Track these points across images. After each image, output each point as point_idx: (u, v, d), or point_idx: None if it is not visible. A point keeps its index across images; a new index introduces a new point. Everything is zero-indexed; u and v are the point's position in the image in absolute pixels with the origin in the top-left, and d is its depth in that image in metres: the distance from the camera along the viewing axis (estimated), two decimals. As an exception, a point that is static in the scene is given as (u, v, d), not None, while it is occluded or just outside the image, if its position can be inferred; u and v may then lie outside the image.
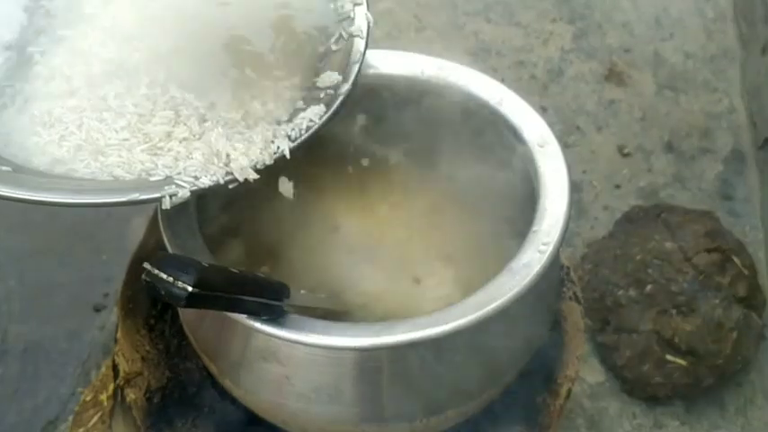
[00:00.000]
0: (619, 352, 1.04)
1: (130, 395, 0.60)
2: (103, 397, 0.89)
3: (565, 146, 1.28)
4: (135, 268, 0.66)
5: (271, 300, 0.47)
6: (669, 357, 1.01)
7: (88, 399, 0.93)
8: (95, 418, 0.88)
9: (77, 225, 1.16)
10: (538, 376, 0.63)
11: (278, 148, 0.51)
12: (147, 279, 0.41)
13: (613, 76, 1.39)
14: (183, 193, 0.49)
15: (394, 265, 0.60)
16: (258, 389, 0.54)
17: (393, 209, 0.63)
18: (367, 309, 0.58)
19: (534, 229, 0.53)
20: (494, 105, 0.60)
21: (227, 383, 0.57)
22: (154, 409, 0.59)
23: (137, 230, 1.13)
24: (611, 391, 1.06)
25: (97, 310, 1.09)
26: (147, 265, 0.41)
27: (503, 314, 0.49)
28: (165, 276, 0.40)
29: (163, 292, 0.40)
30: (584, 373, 1.07)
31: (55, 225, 1.16)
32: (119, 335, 0.62)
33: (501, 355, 0.56)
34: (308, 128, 0.52)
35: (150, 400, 0.59)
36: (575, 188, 1.24)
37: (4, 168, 0.49)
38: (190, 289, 0.40)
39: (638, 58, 1.42)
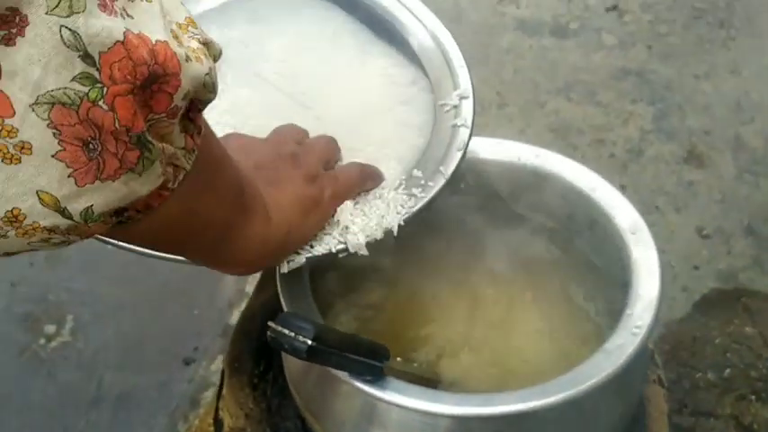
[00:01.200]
0: (696, 436, 1.04)
1: (234, 449, 0.64)
2: (196, 448, 0.93)
3: (644, 226, 1.30)
4: (242, 328, 0.70)
5: (373, 360, 0.51)
6: (748, 444, 1.01)
7: (182, 449, 0.97)
8: (188, 469, 0.92)
9: (172, 281, 1.23)
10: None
11: (390, 224, 0.55)
12: (272, 335, 0.46)
13: (693, 157, 1.41)
14: (299, 260, 0.53)
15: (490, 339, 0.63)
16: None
17: (494, 285, 0.67)
18: (459, 384, 0.61)
19: (628, 312, 0.55)
20: (587, 192, 0.64)
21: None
22: (255, 465, 0.63)
23: (228, 288, 1.20)
24: (687, 476, 1.05)
25: (187, 363, 1.14)
26: (271, 324, 0.46)
27: (595, 393, 0.52)
28: (287, 332, 0.45)
29: (286, 346, 0.46)
30: (660, 454, 1.06)
31: (151, 280, 1.24)
32: (224, 391, 0.67)
33: (590, 430, 0.58)
34: (412, 207, 0.57)
35: (252, 456, 0.63)
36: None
37: None
38: (310, 342, 0.45)
39: (718, 140, 1.43)
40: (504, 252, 0.65)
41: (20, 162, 0.30)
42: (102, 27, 0.30)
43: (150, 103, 0.33)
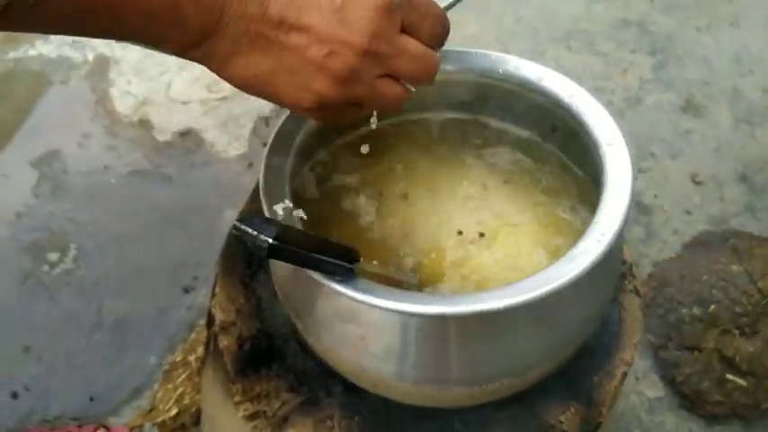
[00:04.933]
0: (679, 368, 1.07)
1: (224, 341, 0.66)
2: (192, 358, 0.97)
3: (638, 171, 1.32)
4: (233, 236, 0.73)
5: (343, 262, 0.53)
6: (729, 377, 1.03)
7: (178, 359, 1.01)
8: (183, 376, 0.96)
9: (173, 214, 1.26)
10: (596, 358, 0.67)
11: None
12: (236, 233, 0.47)
13: (690, 107, 1.42)
14: None
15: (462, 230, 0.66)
16: (337, 347, 0.60)
17: (477, 198, 0.69)
18: (435, 289, 0.64)
19: (595, 220, 0.57)
20: (566, 102, 0.65)
21: (309, 339, 0.63)
22: (243, 356, 0.66)
23: (227, 221, 1.22)
24: (669, 407, 1.07)
25: (186, 291, 1.17)
26: (235, 222, 0.48)
27: (559, 296, 0.53)
28: (250, 230, 0.47)
29: (249, 244, 0.47)
30: (645, 387, 1.09)
31: (152, 212, 1.27)
32: (217, 289, 0.69)
33: (556, 333, 0.60)
34: None
35: (241, 347, 0.66)
36: (645, 211, 1.28)
37: None
38: (270, 241, 0.46)
39: (716, 91, 1.45)
40: (487, 165, 0.67)
41: None
42: None
43: None
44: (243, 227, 0.46)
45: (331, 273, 0.53)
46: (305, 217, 0.59)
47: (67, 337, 1.13)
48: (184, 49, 0.47)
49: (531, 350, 0.60)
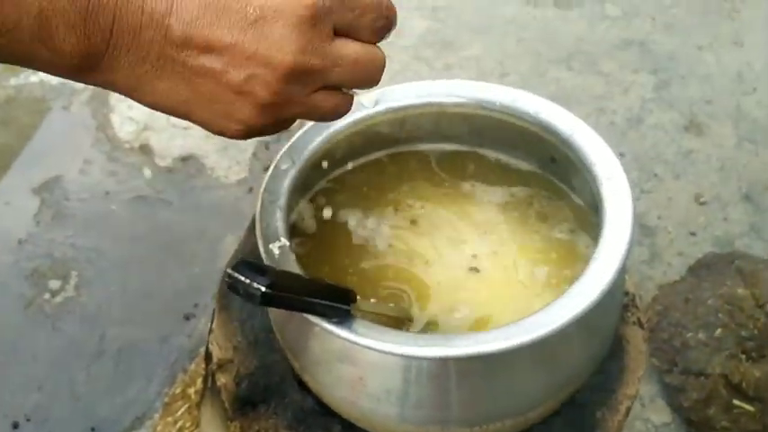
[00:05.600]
0: (685, 394, 1.05)
1: (221, 379, 0.66)
2: (191, 391, 0.96)
3: (641, 192, 1.31)
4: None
5: (339, 303, 0.52)
6: (736, 402, 1.02)
7: (178, 391, 1.00)
8: (183, 409, 0.95)
9: (174, 240, 1.26)
10: (599, 393, 0.66)
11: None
12: (229, 281, 0.46)
13: (693, 126, 1.41)
14: None
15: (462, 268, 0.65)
16: (334, 386, 0.59)
17: (467, 219, 0.69)
18: (435, 327, 0.63)
19: (595, 257, 0.56)
20: (566, 135, 0.65)
21: (306, 378, 0.62)
22: (241, 394, 0.65)
23: (228, 247, 1.22)
24: (676, 433, 1.06)
25: (187, 318, 1.17)
26: (228, 270, 0.46)
27: (560, 336, 0.52)
28: (243, 278, 0.45)
29: (241, 292, 0.46)
30: (650, 413, 1.08)
31: (154, 239, 1.26)
32: (214, 325, 0.69)
33: (559, 371, 0.59)
34: None
35: (239, 385, 0.65)
36: (649, 233, 1.27)
37: None
38: (263, 289, 0.45)
39: (718, 110, 1.44)
40: (486, 196, 0.66)
41: None
42: None
43: None
44: (235, 275, 0.45)
45: (327, 315, 0.53)
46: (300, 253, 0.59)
47: (69, 366, 1.12)
48: (69, 74, 0.41)
49: (533, 390, 0.59)
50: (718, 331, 1.06)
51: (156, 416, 1.04)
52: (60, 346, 1.14)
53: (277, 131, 0.46)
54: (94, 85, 0.42)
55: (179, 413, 0.94)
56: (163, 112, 0.44)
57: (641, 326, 0.71)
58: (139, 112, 1.45)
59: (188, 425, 0.92)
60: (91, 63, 0.40)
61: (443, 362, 0.54)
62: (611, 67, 1.51)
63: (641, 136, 1.40)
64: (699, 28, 1.56)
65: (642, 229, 1.27)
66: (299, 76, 0.41)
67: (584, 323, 0.54)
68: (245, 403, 0.65)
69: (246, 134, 0.44)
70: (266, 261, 0.57)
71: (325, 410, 0.64)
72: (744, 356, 1.03)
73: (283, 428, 0.64)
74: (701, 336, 1.06)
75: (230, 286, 0.46)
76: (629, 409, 0.66)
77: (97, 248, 1.25)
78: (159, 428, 0.95)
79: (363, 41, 0.44)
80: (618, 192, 0.61)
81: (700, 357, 1.05)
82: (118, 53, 0.40)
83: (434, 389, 0.56)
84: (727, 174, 1.35)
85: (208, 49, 0.40)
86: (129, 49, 0.40)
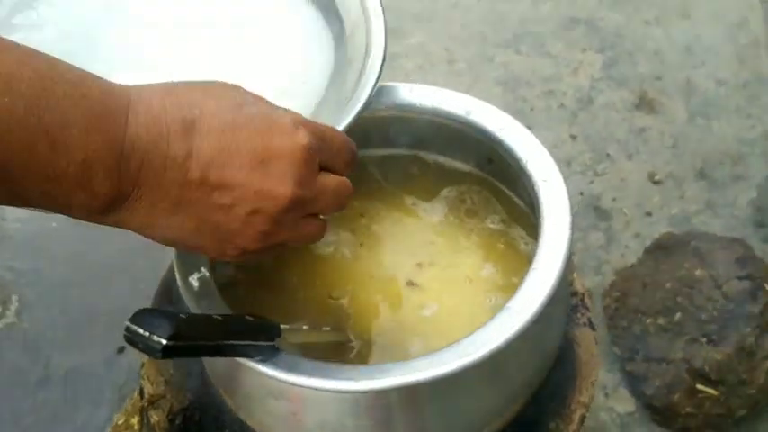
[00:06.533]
0: (648, 381, 1.04)
1: (154, 417, 0.62)
2: (134, 421, 0.92)
3: (594, 174, 1.29)
4: (161, 299, 0.69)
5: (261, 341, 0.49)
6: (700, 387, 1.00)
7: (120, 422, 0.96)
8: (126, 441, 0.91)
9: (117, 257, 1.20)
10: (551, 402, 0.63)
11: None
12: (128, 335, 0.42)
13: (644, 104, 1.39)
14: None
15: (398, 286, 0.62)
16: (269, 422, 0.57)
17: (403, 229, 0.66)
18: (373, 345, 0.60)
19: (534, 266, 0.53)
20: (498, 136, 0.61)
21: (241, 414, 0.59)
22: (175, 431, 0.62)
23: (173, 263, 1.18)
24: (641, 422, 1.05)
25: (134, 337, 1.12)
26: (127, 323, 0.42)
27: (501, 353, 0.50)
28: (141, 331, 0.42)
29: (141, 346, 0.42)
30: (614, 402, 1.06)
31: (95, 257, 1.21)
32: (145, 359, 0.65)
33: (505, 387, 0.56)
34: None
35: (173, 422, 0.62)
36: (605, 216, 1.25)
37: None
38: (164, 342, 0.41)
39: (669, 85, 1.42)
40: (426, 202, 0.63)
41: None
42: None
43: None
44: (134, 327, 0.41)
45: (249, 354, 0.49)
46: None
47: (13, 395, 1.08)
48: (91, 216, 0.44)
49: (479, 409, 0.57)
50: (678, 315, 1.04)
51: (107, 442, 1.00)
52: (2, 375, 1.09)
53: (266, 257, 0.51)
54: (105, 224, 0.45)
55: (122, 445, 0.90)
56: (169, 244, 0.48)
57: (592, 327, 0.68)
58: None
59: (132, 458, 0.88)
60: (116, 205, 0.43)
61: (376, 393, 0.51)
62: (559, 47, 1.48)
63: (592, 116, 1.38)
64: (645, 2, 1.54)
65: (597, 213, 1.25)
66: (294, 206, 0.46)
67: (528, 335, 0.51)
68: (181, 441, 0.62)
69: (241, 257, 0.49)
70: (184, 295, 0.54)
71: (267, 442, 0.61)
72: (704, 340, 1.02)
73: (222, 465, 0.61)
74: (661, 321, 1.05)
75: (129, 341, 0.41)
76: (583, 417, 0.64)
77: (37, 270, 1.20)
78: (105, 461, 0.92)
79: (338, 174, 0.50)
80: (555, 194, 0.58)
81: (660, 344, 1.04)
82: (141, 194, 0.43)
83: (372, 419, 0.53)
84: (680, 150, 1.33)
85: (221, 186, 0.44)
86: (152, 189, 0.43)
